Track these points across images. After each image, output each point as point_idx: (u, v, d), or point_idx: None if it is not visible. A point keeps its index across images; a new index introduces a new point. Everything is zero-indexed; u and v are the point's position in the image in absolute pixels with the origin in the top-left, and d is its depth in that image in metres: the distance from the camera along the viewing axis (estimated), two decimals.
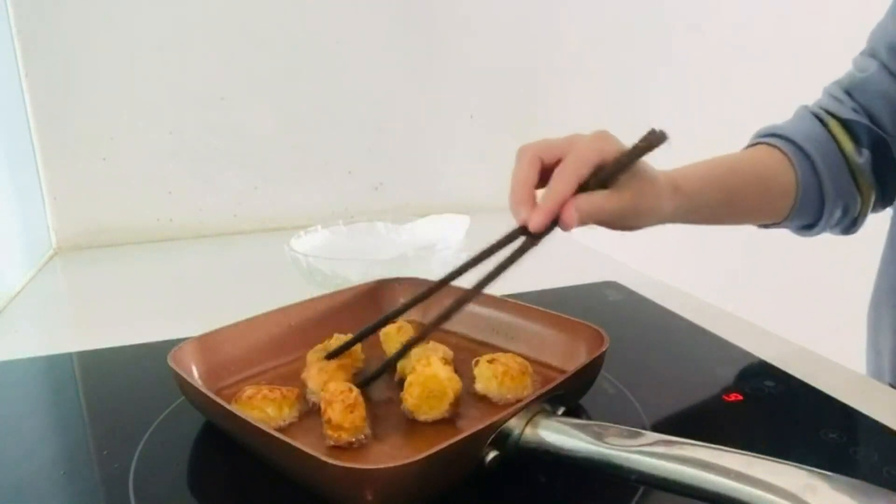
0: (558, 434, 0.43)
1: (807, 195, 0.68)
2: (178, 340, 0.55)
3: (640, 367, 0.62)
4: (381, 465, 0.39)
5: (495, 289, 0.67)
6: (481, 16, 1.20)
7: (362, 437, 0.48)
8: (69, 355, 0.69)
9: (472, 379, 0.54)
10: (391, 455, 0.47)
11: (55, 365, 0.68)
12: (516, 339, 0.61)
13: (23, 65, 1.02)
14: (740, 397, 0.56)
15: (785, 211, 0.69)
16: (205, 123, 1.11)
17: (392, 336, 0.60)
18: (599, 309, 0.75)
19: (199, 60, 1.09)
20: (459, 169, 1.25)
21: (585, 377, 0.53)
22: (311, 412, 0.52)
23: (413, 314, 0.67)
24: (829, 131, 0.69)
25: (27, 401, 0.62)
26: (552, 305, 0.62)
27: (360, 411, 0.47)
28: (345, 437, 0.47)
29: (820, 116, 0.70)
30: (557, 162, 0.52)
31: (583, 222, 0.51)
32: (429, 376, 0.49)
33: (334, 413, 0.46)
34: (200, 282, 0.95)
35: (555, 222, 0.51)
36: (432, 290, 0.56)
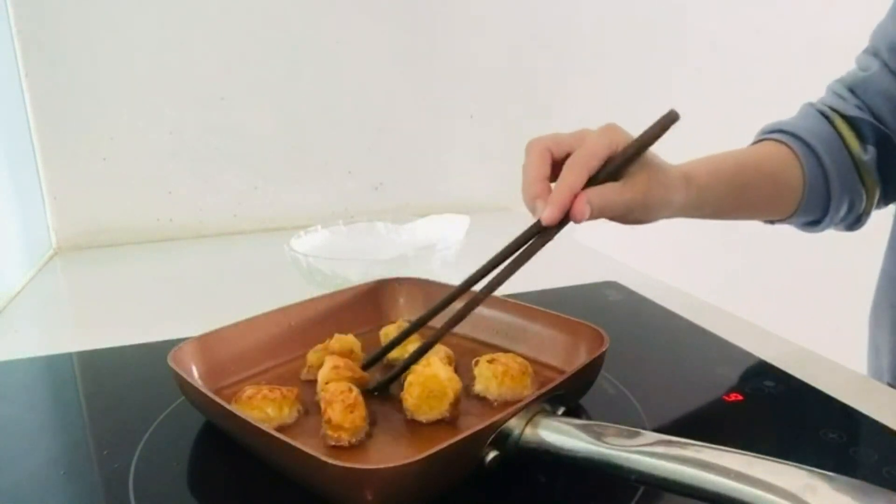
0: (558, 434, 0.43)
1: (813, 191, 0.68)
2: (178, 340, 0.55)
3: (640, 367, 0.62)
4: (381, 465, 0.39)
5: (497, 289, 0.67)
6: (481, 16, 1.20)
7: (362, 437, 0.48)
8: (69, 355, 0.69)
9: (472, 379, 0.54)
10: (391, 455, 0.47)
11: (55, 365, 0.68)
12: (516, 340, 0.61)
13: (23, 65, 1.02)
14: (740, 397, 0.56)
15: (792, 207, 0.69)
16: (205, 123, 1.11)
17: (392, 335, 0.60)
18: (599, 309, 0.75)
19: (199, 60, 1.09)
20: (459, 169, 1.25)
21: (585, 377, 0.53)
22: (311, 412, 0.52)
23: (413, 314, 0.67)
24: (835, 128, 0.70)
25: (27, 401, 0.62)
26: (552, 305, 0.62)
27: (361, 411, 0.48)
28: (345, 437, 0.47)
29: (825, 113, 0.71)
30: (567, 156, 0.52)
31: (594, 216, 0.51)
32: (429, 376, 0.49)
33: (334, 413, 0.46)
34: (200, 282, 0.95)
35: (566, 216, 0.51)
36: (457, 293, 0.55)
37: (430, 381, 0.49)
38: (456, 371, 0.52)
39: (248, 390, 0.50)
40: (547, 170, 0.52)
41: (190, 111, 1.10)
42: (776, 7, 1.34)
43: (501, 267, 0.52)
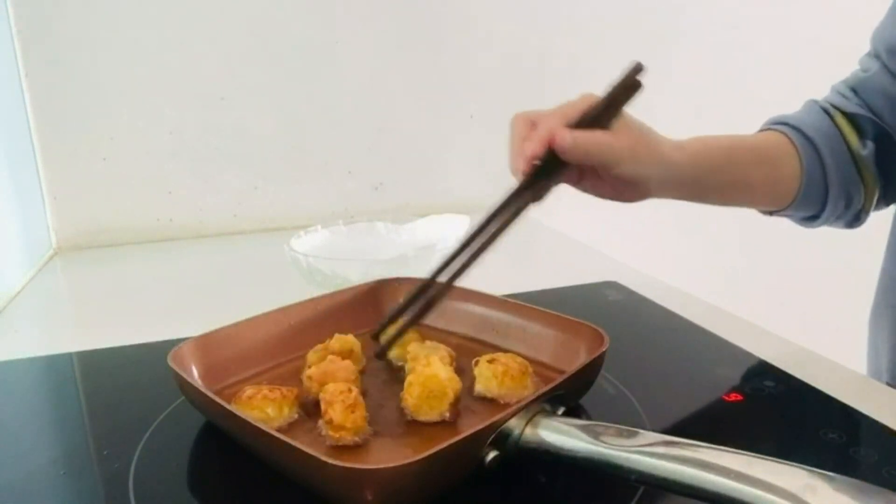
0: (558, 434, 0.43)
1: (811, 182, 0.69)
2: (178, 340, 0.55)
3: (640, 367, 0.62)
4: (381, 465, 0.39)
5: (496, 289, 0.67)
6: (482, 16, 1.20)
7: (363, 437, 0.48)
8: (69, 355, 0.69)
9: (472, 379, 0.54)
10: (391, 455, 0.47)
11: (55, 365, 0.68)
12: (516, 339, 0.61)
13: (23, 65, 1.02)
14: (740, 397, 0.56)
15: (788, 196, 0.69)
16: (205, 123, 1.11)
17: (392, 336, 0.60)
18: (599, 309, 0.75)
19: (199, 60, 1.09)
20: (459, 169, 1.25)
21: (585, 377, 0.53)
22: (311, 412, 0.52)
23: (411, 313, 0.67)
24: (835, 123, 0.70)
25: (27, 401, 0.62)
26: (552, 305, 0.62)
27: (361, 411, 0.48)
28: (346, 437, 0.47)
29: (826, 110, 0.71)
30: None
31: (580, 155, 0.53)
32: (429, 376, 0.49)
33: (335, 413, 0.46)
34: (200, 282, 0.95)
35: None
36: (455, 255, 0.57)
37: (430, 381, 0.49)
38: (456, 371, 0.52)
39: (248, 390, 0.50)
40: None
41: (190, 111, 1.10)
42: (784, 8, 1.34)
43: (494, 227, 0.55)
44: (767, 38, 1.35)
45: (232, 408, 0.47)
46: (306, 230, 0.89)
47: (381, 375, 0.58)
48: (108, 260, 1.05)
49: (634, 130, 0.57)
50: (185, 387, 0.51)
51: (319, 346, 0.58)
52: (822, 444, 0.49)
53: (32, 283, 0.94)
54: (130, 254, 1.08)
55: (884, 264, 0.73)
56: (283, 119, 1.14)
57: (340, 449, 0.47)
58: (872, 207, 0.73)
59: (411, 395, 0.50)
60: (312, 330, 0.62)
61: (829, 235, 0.77)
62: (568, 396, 0.49)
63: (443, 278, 0.56)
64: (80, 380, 0.66)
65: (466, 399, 0.52)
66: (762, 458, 0.35)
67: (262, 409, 0.49)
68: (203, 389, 0.49)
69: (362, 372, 0.58)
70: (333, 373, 0.52)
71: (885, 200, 0.73)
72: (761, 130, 0.73)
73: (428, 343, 0.58)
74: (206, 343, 0.57)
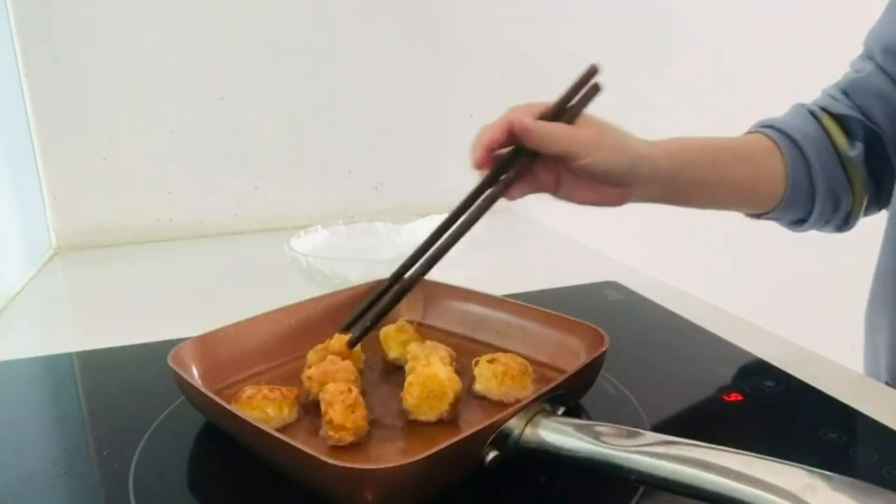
0: (558, 434, 0.43)
1: (796, 184, 0.68)
2: (178, 340, 0.55)
3: (640, 367, 0.62)
4: (381, 465, 0.39)
5: (496, 289, 0.67)
6: (481, 16, 1.20)
7: (363, 437, 0.48)
8: (69, 355, 0.69)
9: (472, 379, 0.54)
10: (391, 455, 0.47)
11: (55, 365, 0.68)
12: (516, 340, 0.61)
13: (23, 65, 1.02)
14: (740, 397, 0.56)
15: (774, 198, 0.69)
16: (205, 123, 1.11)
17: (392, 336, 0.60)
18: (599, 309, 0.75)
19: (199, 60, 1.09)
20: (459, 169, 1.24)
21: (585, 377, 0.53)
22: (311, 412, 0.52)
23: (413, 314, 0.67)
24: (822, 126, 0.70)
25: (27, 401, 0.62)
26: (552, 305, 0.62)
27: (361, 411, 0.48)
28: (347, 437, 0.47)
29: (814, 112, 0.71)
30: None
31: (537, 134, 0.54)
32: (429, 376, 0.49)
33: (336, 414, 0.46)
34: (200, 282, 0.95)
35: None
36: (410, 263, 0.59)
37: (430, 381, 0.49)
38: (456, 371, 0.52)
39: (248, 390, 0.50)
40: (500, 134, 0.56)
41: (190, 111, 1.10)
42: (779, 11, 1.34)
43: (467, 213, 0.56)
44: (767, 40, 1.35)
45: (232, 408, 0.47)
46: (306, 230, 0.89)
47: (381, 375, 0.58)
48: (108, 260, 1.05)
49: (599, 125, 0.58)
50: (185, 387, 0.51)
51: (319, 346, 0.58)
52: (822, 444, 0.49)
53: (32, 283, 0.94)
54: (130, 254, 1.08)
55: (879, 262, 0.73)
56: (283, 119, 1.14)
57: (340, 449, 0.47)
58: (862, 211, 0.73)
59: (411, 395, 0.50)
60: (312, 330, 0.62)
61: (828, 235, 0.76)
62: (568, 396, 0.49)
63: (422, 263, 0.57)
64: (80, 380, 0.66)
65: (466, 399, 0.52)
66: (762, 458, 0.35)
67: (262, 409, 0.49)
68: (203, 389, 0.49)
69: (362, 372, 0.58)
70: (333, 373, 0.52)
71: (876, 205, 0.73)
72: (745, 134, 0.73)
73: (428, 343, 0.58)
74: (206, 343, 0.57)
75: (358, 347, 0.59)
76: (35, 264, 1.00)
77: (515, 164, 0.56)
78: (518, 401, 0.48)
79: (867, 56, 0.71)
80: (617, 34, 1.29)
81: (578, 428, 0.43)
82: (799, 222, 0.73)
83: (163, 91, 1.08)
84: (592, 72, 0.56)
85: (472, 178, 1.29)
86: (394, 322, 0.63)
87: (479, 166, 0.57)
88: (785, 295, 1.35)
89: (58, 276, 1.00)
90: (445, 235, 0.56)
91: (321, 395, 0.49)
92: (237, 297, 0.85)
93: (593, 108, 0.58)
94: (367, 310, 0.60)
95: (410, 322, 0.63)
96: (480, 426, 0.42)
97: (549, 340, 0.59)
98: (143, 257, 1.06)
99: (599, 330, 0.55)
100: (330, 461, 0.39)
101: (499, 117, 0.56)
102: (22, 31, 1.01)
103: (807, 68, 0.99)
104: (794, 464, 0.34)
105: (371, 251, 0.89)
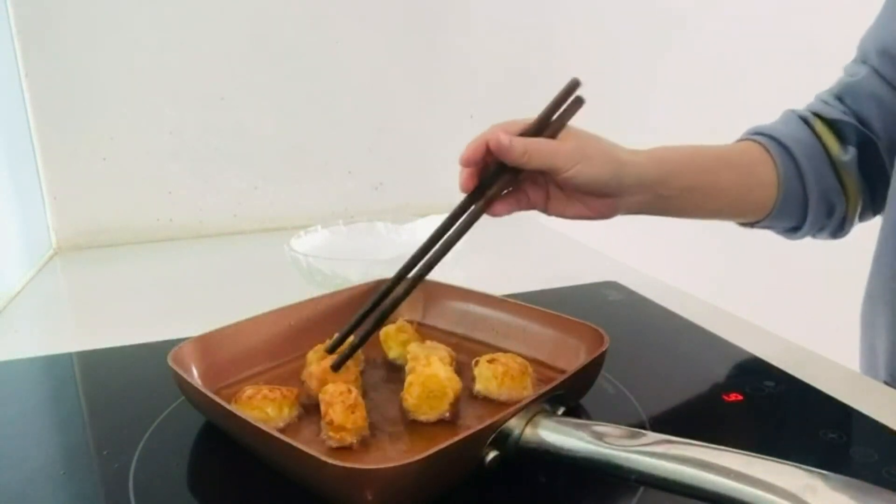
0: (558, 434, 0.43)
1: (789, 190, 0.68)
2: (178, 340, 0.55)
3: (640, 367, 0.62)
4: (381, 465, 0.39)
5: (496, 289, 0.67)
6: (481, 16, 1.20)
7: (363, 437, 0.48)
8: (69, 355, 0.69)
9: (472, 379, 0.54)
10: (391, 455, 0.47)
11: (55, 365, 0.68)
12: (516, 340, 0.61)
13: (23, 65, 1.02)
14: (740, 397, 0.56)
15: (766, 205, 0.69)
16: (205, 123, 1.11)
17: (392, 336, 0.60)
18: (599, 309, 0.75)
19: (199, 60, 1.09)
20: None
21: (585, 377, 0.53)
22: (311, 412, 0.52)
23: (413, 314, 0.67)
24: (814, 132, 0.70)
25: (27, 401, 0.62)
26: (552, 305, 0.62)
27: (361, 411, 0.48)
28: (347, 437, 0.47)
29: (805, 118, 0.71)
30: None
31: (516, 151, 0.54)
32: (429, 376, 0.50)
33: (336, 414, 0.46)
34: (200, 282, 0.95)
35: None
36: (399, 277, 0.57)
37: (430, 381, 0.49)
38: (456, 371, 0.52)
39: (248, 390, 0.50)
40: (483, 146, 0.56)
41: (190, 111, 1.10)
42: (777, 12, 1.34)
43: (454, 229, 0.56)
44: (763, 45, 1.35)
45: (232, 408, 0.47)
46: (306, 230, 0.89)
47: (381, 375, 0.58)
48: (108, 260, 1.05)
49: (581, 136, 0.57)
50: (185, 387, 0.51)
51: (319, 346, 0.58)
52: (822, 444, 0.49)
53: (32, 283, 0.94)
54: (130, 254, 1.08)
55: (875, 262, 0.73)
56: (283, 119, 1.14)
57: (340, 449, 0.47)
58: (857, 216, 0.72)
59: (411, 395, 0.50)
60: (312, 330, 0.62)
61: None
62: (568, 396, 0.49)
63: (400, 288, 0.56)
64: (80, 380, 0.66)
65: (466, 399, 0.53)
66: (762, 458, 0.35)
67: (262, 409, 0.49)
68: (203, 389, 0.49)
69: (362, 372, 0.58)
70: (334, 375, 0.53)
71: (871, 210, 0.73)
72: (736, 142, 0.73)
73: (428, 343, 0.58)
74: (206, 343, 0.57)
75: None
76: (35, 264, 1.00)
77: (498, 180, 0.56)
78: (518, 401, 0.48)
79: (862, 60, 0.70)
80: (615, 36, 1.29)
81: (578, 428, 0.43)
82: (793, 230, 0.73)
83: (163, 91, 1.08)
84: (574, 85, 0.56)
85: None
86: (394, 322, 0.63)
87: (465, 190, 0.57)
88: (784, 295, 1.35)
89: (58, 276, 1.00)
90: (429, 255, 0.55)
91: (321, 396, 0.49)
92: (237, 297, 0.85)
93: (588, 115, 0.58)
94: (350, 332, 0.57)
95: (410, 322, 0.63)
96: (480, 426, 0.42)
97: (549, 340, 0.59)
98: (143, 257, 1.06)
99: (599, 330, 0.55)
100: (330, 461, 0.39)
101: (478, 135, 0.55)
102: (22, 31, 1.01)
103: (802, 72, 1.00)
104: (794, 464, 0.34)
105: (371, 251, 0.89)
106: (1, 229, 0.89)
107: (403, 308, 0.68)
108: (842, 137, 0.69)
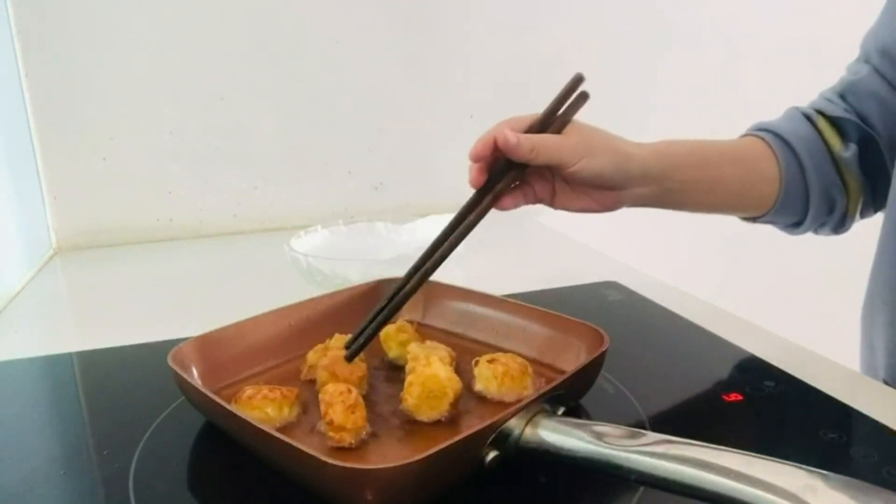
0: (558, 434, 0.43)
1: (790, 185, 0.69)
2: (178, 340, 0.55)
3: (640, 367, 0.62)
4: (381, 465, 0.39)
5: (496, 289, 0.67)
6: (481, 16, 1.20)
7: (363, 437, 0.48)
8: (69, 355, 0.69)
9: (472, 379, 0.54)
10: (391, 455, 0.47)
11: (55, 365, 0.68)
12: (516, 340, 0.61)
13: (23, 65, 1.02)
14: (740, 397, 0.56)
15: (768, 200, 0.69)
16: (205, 123, 1.11)
17: (392, 336, 0.60)
18: (599, 309, 0.75)
19: (199, 60, 1.09)
20: (459, 169, 1.24)
21: (585, 377, 0.53)
22: (311, 412, 0.52)
23: (413, 314, 0.67)
24: (816, 128, 0.70)
25: (27, 401, 0.62)
26: (552, 305, 0.62)
27: (361, 411, 0.48)
28: (347, 437, 0.47)
29: (808, 115, 0.71)
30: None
31: (524, 148, 0.55)
32: (429, 376, 0.49)
33: (336, 414, 0.46)
34: (200, 282, 0.95)
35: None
36: (410, 276, 0.58)
37: (430, 381, 0.49)
38: (456, 371, 0.52)
39: (248, 390, 0.50)
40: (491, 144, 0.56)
41: (190, 111, 1.10)
42: (777, 13, 1.34)
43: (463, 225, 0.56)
44: (765, 44, 1.35)
45: (232, 408, 0.47)
46: (306, 230, 0.89)
47: (381, 375, 0.58)
48: (108, 260, 1.05)
49: (586, 131, 0.58)
50: (185, 387, 0.51)
51: (319, 346, 0.58)
52: (822, 444, 0.49)
53: (32, 283, 0.94)
54: (130, 254, 1.08)
55: (875, 261, 0.73)
56: (283, 119, 1.14)
57: (340, 449, 0.47)
58: (858, 212, 0.73)
59: (411, 395, 0.50)
60: (312, 330, 0.62)
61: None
62: (568, 396, 0.49)
63: (409, 284, 0.56)
64: (80, 380, 0.66)
65: (466, 399, 0.52)
66: (762, 458, 0.35)
67: (262, 409, 0.49)
68: (203, 389, 0.49)
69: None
70: (343, 368, 0.53)
71: (872, 207, 0.73)
72: (739, 137, 0.73)
73: (428, 343, 0.58)
74: (206, 343, 0.57)
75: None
76: (35, 264, 1.00)
77: (506, 175, 0.57)
78: (518, 401, 0.48)
79: (864, 59, 0.71)
80: (615, 36, 1.29)
81: (578, 428, 0.43)
82: (795, 225, 0.73)
83: (163, 91, 1.08)
84: (578, 80, 0.57)
85: None
86: (394, 322, 0.63)
87: (475, 185, 0.58)
88: (784, 295, 1.35)
89: (58, 276, 1.00)
90: (439, 250, 0.56)
91: (321, 396, 0.49)
92: (237, 297, 0.85)
93: (589, 113, 0.58)
94: (367, 328, 0.58)
95: (410, 322, 0.63)
96: (480, 426, 0.42)
97: (549, 340, 0.59)
98: (143, 257, 1.06)
99: (599, 330, 0.55)
100: (330, 461, 0.39)
101: (486, 132, 0.56)
102: (22, 31, 1.01)
103: (802, 73, 1.00)
104: (794, 464, 0.34)
105: (371, 251, 0.89)
106: (1, 229, 0.89)
107: (403, 308, 0.68)
108: (843, 134, 0.70)
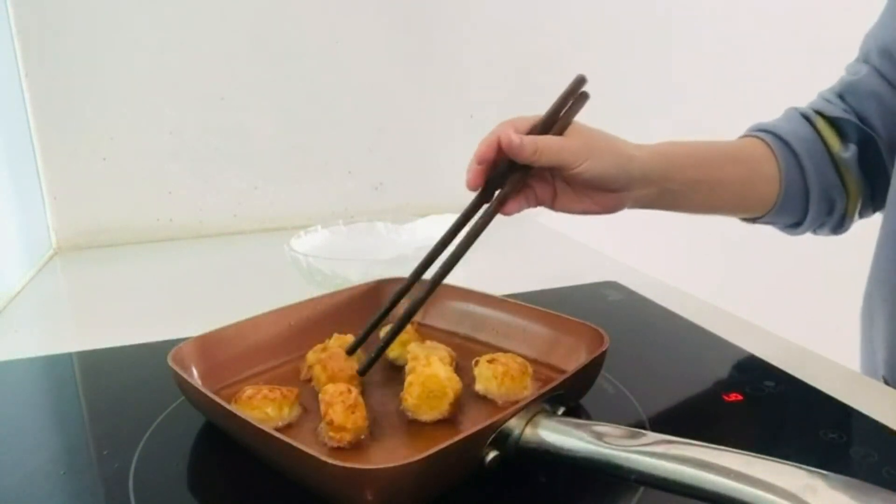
0: (558, 434, 0.43)
1: (790, 186, 0.69)
2: (178, 340, 0.55)
3: (640, 367, 0.62)
4: (381, 465, 0.39)
5: (496, 289, 0.67)
6: (481, 16, 1.20)
7: (363, 437, 0.48)
8: (69, 355, 0.69)
9: (472, 379, 0.54)
10: (391, 455, 0.47)
11: (55, 365, 0.68)
12: (516, 339, 0.61)
13: (23, 65, 1.02)
14: (740, 397, 0.56)
15: (768, 201, 0.69)
16: (205, 123, 1.11)
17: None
18: (599, 309, 0.75)
19: (199, 60, 1.09)
20: (459, 169, 1.24)
21: (585, 377, 0.53)
22: (311, 412, 0.52)
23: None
24: (816, 129, 0.70)
25: (27, 401, 0.62)
26: (552, 305, 0.62)
27: (361, 411, 0.48)
28: (347, 437, 0.47)
29: (807, 115, 0.72)
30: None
31: (527, 150, 0.54)
32: (429, 376, 0.50)
33: (336, 414, 0.46)
34: (200, 282, 0.95)
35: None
36: (418, 275, 0.58)
37: (430, 381, 0.49)
38: (456, 371, 0.52)
39: (248, 390, 0.50)
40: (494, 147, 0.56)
41: (190, 111, 1.10)
42: (776, 14, 1.34)
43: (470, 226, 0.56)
44: (766, 44, 1.35)
45: (232, 408, 0.47)
46: (306, 230, 0.89)
47: (381, 375, 0.58)
48: (108, 260, 1.05)
49: (588, 132, 0.58)
50: (185, 387, 0.51)
51: (319, 346, 0.58)
52: (822, 444, 0.49)
53: (32, 283, 0.94)
54: (130, 254, 1.08)
55: (875, 260, 0.73)
56: (283, 119, 1.14)
57: (340, 449, 0.47)
58: (857, 213, 0.73)
59: (411, 395, 0.50)
60: (312, 330, 0.62)
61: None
62: (568, 396, 0.49)
63: (417, 292, 0.56)
64: (80, 380, 0.66)
65: (466, 399, 0.52)
66: (762, 458, 0.35)
67: (262, 409, 0.49)
68: (203, 389, 0.49)
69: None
70: (341, 365, 0.53)
71: (871, 207, 0.73)
72: (739, 138, 0.73)
73: (428, 343, 0.58)
74: (206, 343, 0.57)
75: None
76: (35, 264, 1.00)
77: (510, 178, 0.57)
78: (518, 401, 0.48)
79: (863, 59, 0.71)
80: (616, 36, 1.29)
81: (578, 428, 0.43)
82: (794, 226, 0.73)
83: (163, 91, 1.08)
84: (580, 82, 0.57)
85: None
86: (393, 322, 0.63)
87: (472, 187, 0.57)
88: (784, 295, 1.35)
89: (58, 276, 1.00)
90: (442, 260, 0.56)
91: (321, 396, 0.49)
92: (237, 297, 0.85)
93: (588, 115, 0.58)
94: (370, 332, 0.58)
95: (410, 322, 0.63)
96: (480, 426, 0.42)
97: (550, 340, 0.59)
98: (143, 257, 1.06)
99: (599, 330, 0.55)
100: (330, 461, 0.39)
101: (488, 133, 0.56)
102: (22, 31, 1.01)
103: (802, 73, 1.00)
104: (794, 464, 0.34)
105: (371, 251, 0.89)
106: (1, 229, 0.89)
107: (403, 308, 0.68)
108: (842, 135, 0.70)
